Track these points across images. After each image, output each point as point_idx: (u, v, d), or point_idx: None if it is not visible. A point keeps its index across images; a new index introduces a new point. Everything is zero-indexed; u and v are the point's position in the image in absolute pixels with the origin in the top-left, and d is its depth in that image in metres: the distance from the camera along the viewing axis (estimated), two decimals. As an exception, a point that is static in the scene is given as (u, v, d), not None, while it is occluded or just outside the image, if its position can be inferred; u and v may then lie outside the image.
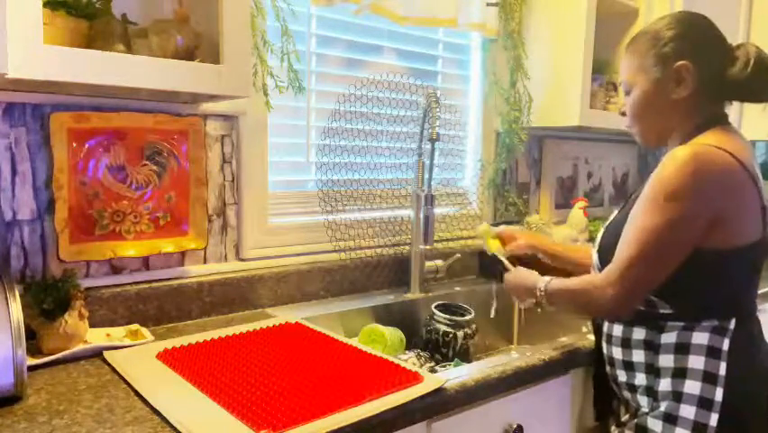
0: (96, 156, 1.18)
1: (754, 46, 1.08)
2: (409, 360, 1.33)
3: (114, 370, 1.02)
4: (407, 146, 1.73)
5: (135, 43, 1.09)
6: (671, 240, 1.00)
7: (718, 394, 1.00)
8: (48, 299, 1.06)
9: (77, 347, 1.07)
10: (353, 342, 1.17)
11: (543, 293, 1.18)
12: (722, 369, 1.01)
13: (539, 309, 1.26)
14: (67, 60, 0.92)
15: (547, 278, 1.20)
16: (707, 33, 1.10)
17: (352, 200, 1.62)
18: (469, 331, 1.42)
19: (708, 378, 1.01)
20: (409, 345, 1.46)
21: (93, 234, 1.19)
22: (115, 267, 1.25)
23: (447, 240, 1.84)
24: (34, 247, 1.15)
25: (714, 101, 1.11)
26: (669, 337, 1.06)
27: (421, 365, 1.33)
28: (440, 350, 1.41)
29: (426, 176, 1.55)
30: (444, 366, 1.35)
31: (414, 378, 0.97)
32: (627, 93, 1.16)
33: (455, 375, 1.03)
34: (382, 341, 1.36)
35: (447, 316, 1.42)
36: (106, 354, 1.08)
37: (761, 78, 1.06)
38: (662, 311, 1.06)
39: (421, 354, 1.38)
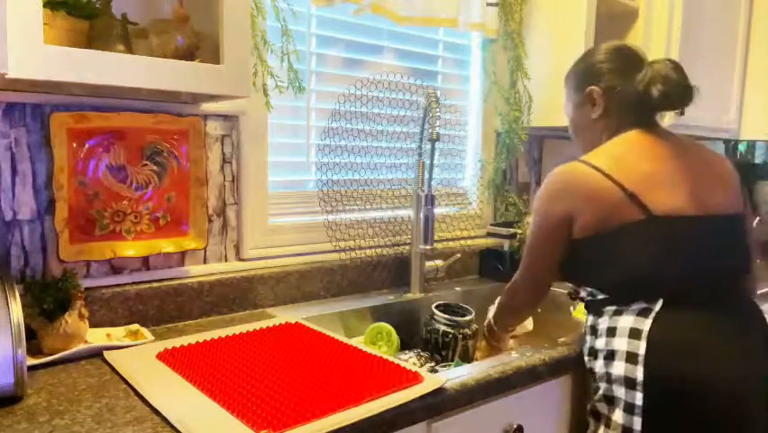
0: (96, 156, 1.18)
1: (662, 61, 1.18)
2: (409, 360, 1.33)
3: (114, 370, 1.02)
4: (407, 146, 1.73)
5: (135, 43, 1.09)
6: (539, 242, 1.21)
7: (639, 373, 1.03)
8: (48, 299, 1.06)
9: (78, 347, 1.07)
10: (354, 342, 1.17)
11: (487, 328, 1.40)
12: (641, 348, 1.04)
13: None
14: (67, 60, 0.92)
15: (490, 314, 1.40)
16: (620, 58, 1.24)
17: (352, 200, 1.62)
18: (469, 331, 1.42)
19: (630, 358, 1.05)
20: (409, 345, 1.46)
21: (93, 235, 1.19)
22: (115, 267, 1.25)
23: (447, 240, 1.85)
24: (34, 247, 1.15)
25: (631, 113, 1.21)
26: (603, 322, 1.13)
27: (421, 365, 1.33)
28: (440, 350, 1.41)
29: (426, 176, 1.55)
30: (445, 366, 1.35)
31: (414, 378, 0.97)
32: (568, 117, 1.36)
33: (455, 375, 1.03)
34: (388, 338, 1.37)
35: (447, 316, 1.42)
36: (106, 354, 1.08)
37: (649, 91, 1.16)
38: (600, 297, 1.15)
39: (421, 354, 1.38)
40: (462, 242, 1.88)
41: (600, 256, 1.13)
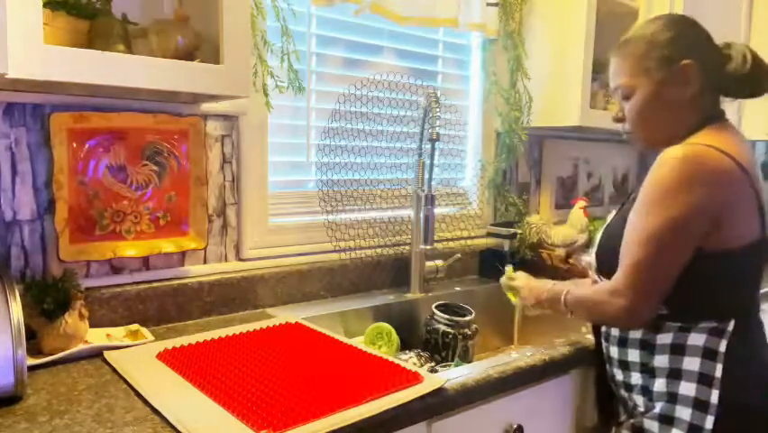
0: (96, 156, 1.18)
1: (742, 44, 1.10)
2: (409, 360, 1.33)
3: (114, 370, 1.02)
4: (407, 146, 1.73)
5: (135, 43, 1.09)
6: (672, 241, 0.99)
7: (714, 396, 0.99)
8: (48, 299, 1.06)
9: (78, 347, 1.07)
10: (354, 342, 1.17)
11: (564, 305, 1.18)
12: (718, 371, 1.00)
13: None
14: (67, 60, 0.92)
15: (566, 287, 1.20)
16: (700, 34, 1.12)
17: (351, 200, 1.62)
18: (469, 331, 1.42)
19: (704, 380, 1.01)
20: (409, 345, 1.46)
21: (93, 235, 1.19)
22: (115, 267, 1.25)
23: (447, 240, 1.85)
24: (34, 247, 1.15)
25: (715, 99, 1.12)
26: (665, 338, 1.05)
27: (421, 365, 1.33)
28: (440, 350, 1.41)
29: (426, 176, 1.55)
30: (445, 366, 1.35)
31: (414, 378, 0.97)
32: (626, 98, 1.14)
33: (455, 375, 1.03)
34: (388, 338, 1.37)
35: (447, 316, 1.42)
36: (106, 354, 1.08)
37: (757, 74, 1.08)
38: (659, 312, 1.06)
39: (421, 354, 1.38)
40: (462, 242, 1.88)
41: (703, 275, 1.02)
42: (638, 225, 1.03)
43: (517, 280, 1.39)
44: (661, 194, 1.00)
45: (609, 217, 1.22)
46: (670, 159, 1.00)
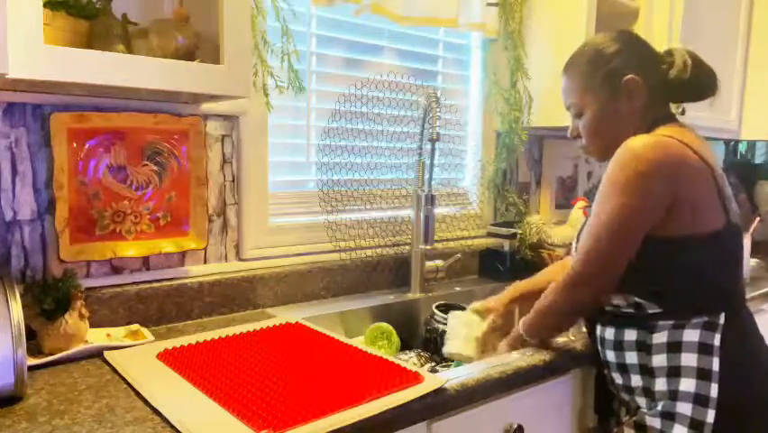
0: (97, 156, 1.18)
1: (683, 48, 1.14)
2: (410, 360, 1.33)
3: (114, 370, 1.02)
4: (408, 146, 1.73)
5: (135, 43, 1.09)
6: (626, 226, 1.03)
7: (713, 390, 1.01)
8: (48, 299, 1.06)
9: (78, 347, 1.07)
10: (354, 342, 1.17)
11: (525, 336, 1.20)
12: (715, 365, 1.02)
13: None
14: (67, 60, 0.92)
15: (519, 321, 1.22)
16: (641, 44, 1.17)
17: (352, 200, 1.62)
18: (469, 331, 1.41)
19: (702, 375, 1.02)
20: (409, 345, 1.46)
21: (93, 235, 1.19)
22: (116, 267, 1.25)
23: (447, 240, 1.85)
24: (35, 247, 1.15)
25: (662, 104, 1.16)
26: (660, 337, 1.06)
27: (421, 365, 1.33)
28: (440, 350, 1.41)
29: (427, 176, 1.55)
30: (445, 366, 1.35)
31: (414, 378, 0.97)
32: (578, 116, 1.21)
33: (455, 375, 1.03)
34: (388, 338, 1.37)
35: (447, 316, 1.42)
36: (107, 354, 1.08)
37: (699, 77, 1.12)
38: (650, 312, 1.07)
39: (422, 354, 1.38)
40: (462, 242, 1.88)
41: (681, 263, 1.04)
42: (598, 210, 1.07)
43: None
44: (619, 181, 1.03)
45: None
46: (631, 147, 1.04)
